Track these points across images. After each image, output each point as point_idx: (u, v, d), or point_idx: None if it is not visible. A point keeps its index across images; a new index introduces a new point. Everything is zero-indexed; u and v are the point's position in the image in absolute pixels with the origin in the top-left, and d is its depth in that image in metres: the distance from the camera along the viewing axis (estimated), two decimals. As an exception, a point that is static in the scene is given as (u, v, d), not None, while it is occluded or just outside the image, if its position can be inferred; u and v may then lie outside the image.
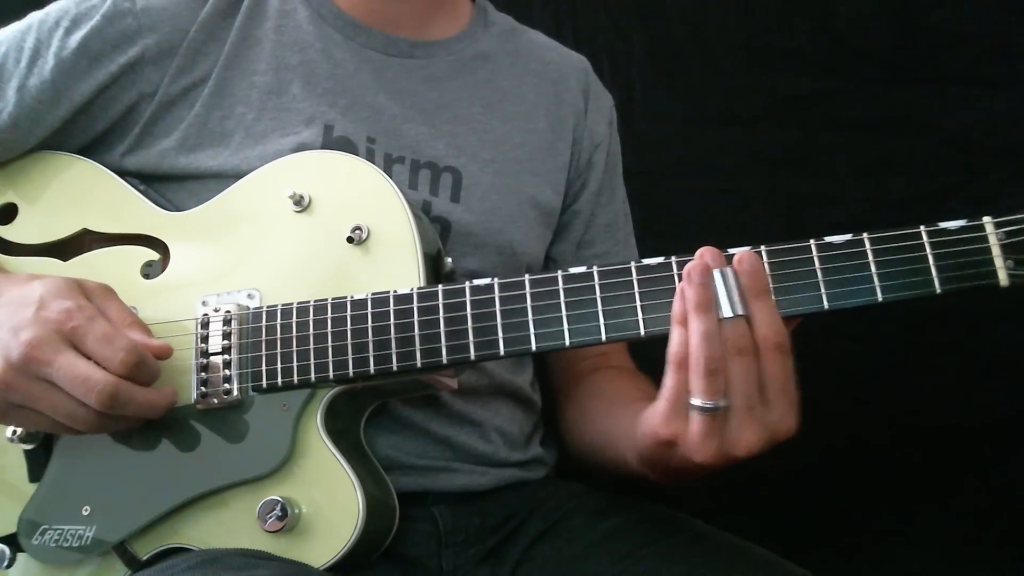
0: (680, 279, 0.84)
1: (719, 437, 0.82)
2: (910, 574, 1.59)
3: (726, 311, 0.81)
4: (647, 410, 0.87)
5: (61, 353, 0.86)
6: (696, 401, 0.81)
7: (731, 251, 0.85)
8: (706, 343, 0.80)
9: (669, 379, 0.83)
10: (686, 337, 0.81)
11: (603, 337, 0.88)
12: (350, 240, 0.98)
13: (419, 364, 0.92)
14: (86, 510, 0.96)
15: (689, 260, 0.83)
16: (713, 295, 0.81)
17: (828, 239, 0.85)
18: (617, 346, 1.26)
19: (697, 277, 0.81)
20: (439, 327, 0.93)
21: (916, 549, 1.62)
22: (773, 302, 0.82)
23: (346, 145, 1.08)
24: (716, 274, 0.82)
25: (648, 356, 1.18)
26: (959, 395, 1.67)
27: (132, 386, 0.89)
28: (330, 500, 0.93)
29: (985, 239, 0.82)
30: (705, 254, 0.83)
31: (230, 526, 0.95)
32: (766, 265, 0.85)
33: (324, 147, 1.07)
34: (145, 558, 0.96)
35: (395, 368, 0.93)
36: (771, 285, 0.84)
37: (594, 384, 1.21)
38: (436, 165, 1.12)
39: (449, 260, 1.03)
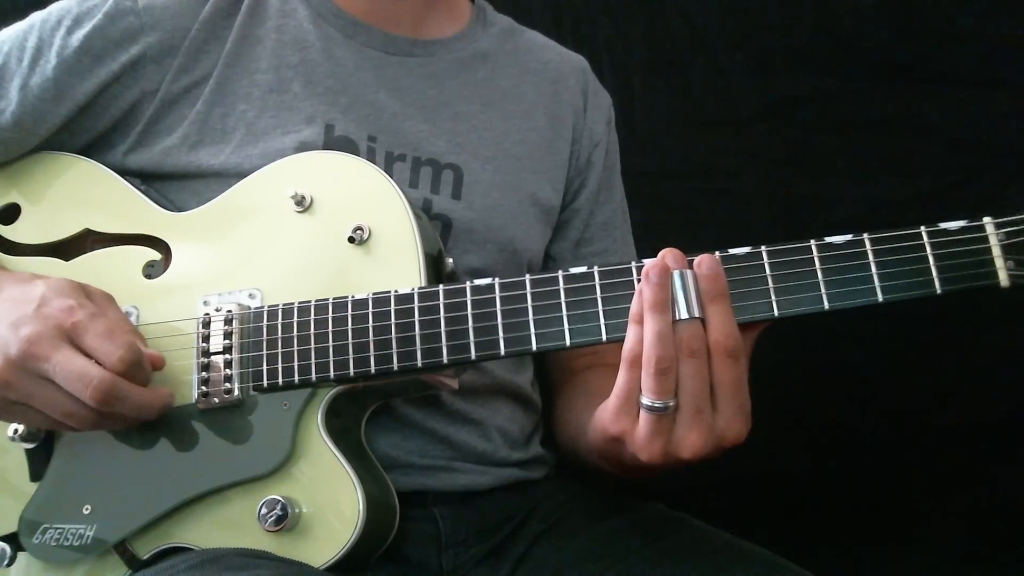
0: None
1: (665, 437, 0.82)
2: (910, 574, 1.59)
3: (682, 313, 0.81)
4: (600, 405, 0.88)
5: (59, 349, 0.87)
6: (645, 400, 0.81)
7: (732, 251, 0.85)
8: (659, 343, 0.80)
9: (621, 376, 0.84)
10: (641, 336, 0.82)
11: (604, 337, 0.88)
12: (351, 240, 0.98)
13: (420, 364, 0.92)
14: (87, 509, 0.97)
15: (691, 260, 0.83)
16: (670, 296, 0.81)
17: (828, 239, 0.85)
18: (613, 345, 1.26)
19: (655, 277, 0.82)
20: (440, 327, 0.93)
21: (916, 549, 1.62)
22: (730, 307, 0.82)
23: (347, 144, 1.08)
24: (675, 275, 0.82)
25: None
26: (959, 395, 1.67)
27: (128, 384, 0.89)
28: (330, 500, 0.94)
29: (986, 239, 0.82)
30: (666, 255, 0.83)
31: (230, 526, 0.95)
32: (767, 265, 0.85)
33: (325, 146, 1.07)
34: (145, 557, 0.96)
35: (396, 368, 0.93)
36: (770, 286, 0.84)
37: (585, 381, 1.21)
38: (437, 162, 1.13)
39: (450, 260, 1.03)
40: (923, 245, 0.83)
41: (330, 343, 0.95)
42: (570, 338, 0.89)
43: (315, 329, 0.96)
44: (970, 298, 0.85)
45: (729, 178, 1.73)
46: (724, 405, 0.82)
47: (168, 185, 1.09)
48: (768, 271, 0.85)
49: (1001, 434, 1.67)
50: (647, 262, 0.84)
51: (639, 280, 0.87)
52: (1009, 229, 0.82)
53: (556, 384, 1.27)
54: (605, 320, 0.88)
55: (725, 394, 0.82)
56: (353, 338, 0.94)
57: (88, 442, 0.98)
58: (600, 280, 0.89)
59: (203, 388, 0.97)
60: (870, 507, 1.68)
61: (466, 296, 0.93)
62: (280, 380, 0.96)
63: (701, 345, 0.81)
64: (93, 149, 1.10)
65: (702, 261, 0.83)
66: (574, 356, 1.24)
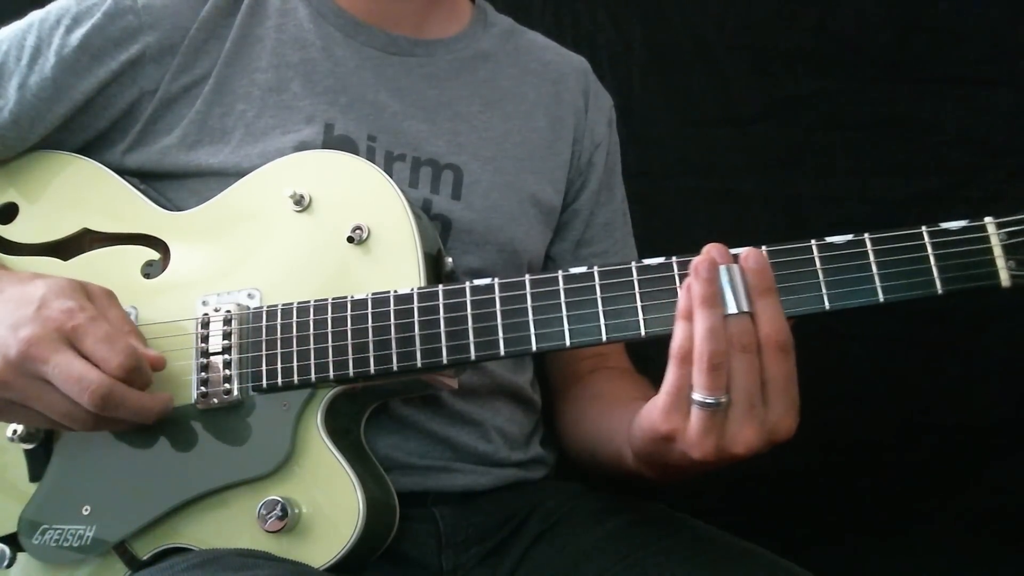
0: (681, 279, 0.84)
1: (718, 434, 0.81)
2: (910, 574, 1.59)
3: (731, 307, 0.81)
4: (646, 405, 0.87)
5: (58, 352, 0.86)
6: (697, 396, 0.81)
7: (734, 251, 0.85)
8: (711, 338, 0.80)
9: (671, 373, 0.83)
10: (690, 332, 0.81)
11: (604, 337, 0.88)
12: (350, 240, 0.98)
13: (419, 364, 0.92)
14: (86, 510, 0.96)
15: (690, 260, 0.83)
16: (719, 291, 0.81)
17: (829, 239, 0.85)
18: (616, 347, 1.26)
19: (704, 272, 0.81)
20: (439, 327, 0.92)
21: (916, 549, 1.62)
22: (778, 301, 0.82)
23: (347, 143, 1.08)
24: (722, 270, 0.81)
25: (645, 356, 1.19)
26: (959, 395, 1.67)
27: (126, 389, 0.88)
28: (330, 500, 0.93)
29: (987, 239, 0.82)
30: (712, 250, 0.83)
31: (230, 526, 0.95)
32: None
33: (325, 145, 1.07)
34: (145, 558, 0.96)
35: (395, 368, 0.93)
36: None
37: (593, 385, 1.21)
38: (437, 162, 1.12)
39: (450, 260, 1.03)
40: (924, 245, 0.83)
41: (329, 343, 0.95)
42: (570, 338, 0.89)
43: (314, 329, 0.95)
44: (970, 298, 0.85)
45: (729, 178, 1.73)
46: (776, 400, 0.81)
47: (167, 184, 1.09)
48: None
49: (1001, 434, 1.67)
50: (649, 261, 0.84)
51: (639, 280, 0.88)
52: (1011, 229, 0.82)
53: (560, 389, 1.26)
54: (605, 320, 0.88)
55: (777, 388, 0.81)
56: (352, 338, 0.94)
57: (87, 443, 0.98)
58: (600, 280, 0.89)
59: (202, 388, 0.97)
60: (870, 507, 1.68)
61: (466, 296, 0.93)
62: (279, 380, 0.96)
63: (752, 340, 0.80)
64: (92, 148, 1.10)
65: (749, 255, 0.82)
66: (577, 360, 1.24)
